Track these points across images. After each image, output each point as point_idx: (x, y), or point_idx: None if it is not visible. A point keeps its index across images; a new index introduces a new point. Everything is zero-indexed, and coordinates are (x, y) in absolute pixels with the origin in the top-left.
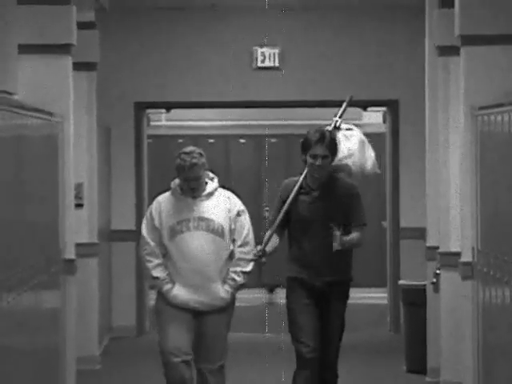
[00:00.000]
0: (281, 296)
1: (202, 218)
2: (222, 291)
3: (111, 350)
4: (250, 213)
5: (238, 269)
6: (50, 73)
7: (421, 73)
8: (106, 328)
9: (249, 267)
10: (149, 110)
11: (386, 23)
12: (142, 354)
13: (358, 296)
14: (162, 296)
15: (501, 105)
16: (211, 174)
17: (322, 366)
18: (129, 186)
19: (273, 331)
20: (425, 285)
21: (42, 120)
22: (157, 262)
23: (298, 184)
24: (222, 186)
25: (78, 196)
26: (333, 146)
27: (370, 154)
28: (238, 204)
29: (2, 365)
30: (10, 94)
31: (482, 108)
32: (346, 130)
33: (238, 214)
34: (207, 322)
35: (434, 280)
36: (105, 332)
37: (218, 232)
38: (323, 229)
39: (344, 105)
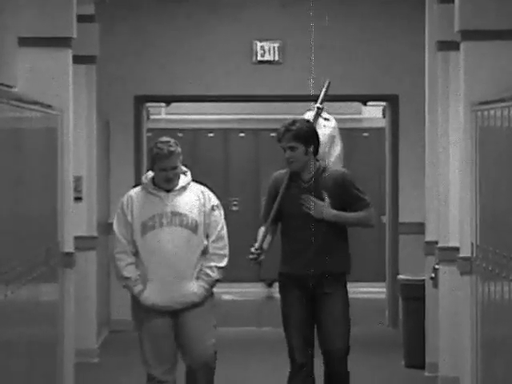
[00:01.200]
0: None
1: (175, 213)
2: (196, 287)
3: (110, 343)
4: (247, 206)
5: (213, 264)
6: (49, 66)
7: (421, 68)
8: (105, 321)
9: (223, 262)
10: (148, 104)
11: (386, 18)
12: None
13: (357, 290)
14: (136, 300)
15: (501, 100)
16: (184, 168)
17: (328, 363)
18: (128, 179)
19: (271, 325)
20: (423, 280)
21: (41, 113)
22: (128, 260)
23: (286, 177)
24: (196, 180)
25: (77, 189)
26: (304, 135)
27: (335, 151)
28: (212, 198)
29: (2, 358)
30: (9, 86)
31: (481, 103)
32: (325, 119)
33: (213, 209)
34: (184, 319)
35: (433, 275)
36: (103, 325)
37: (191, 227)
38: (315, 220)
39: (323, 91)
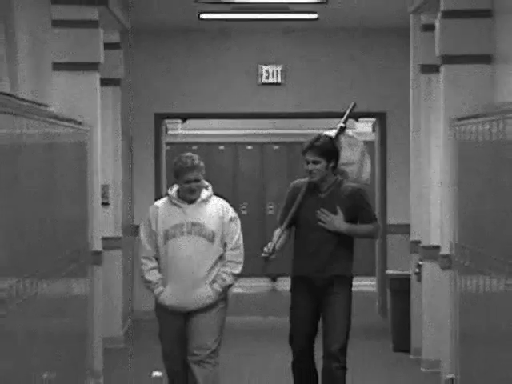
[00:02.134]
0: (283, 284)
1: (194, 223)
2: (210, 290)
3: (133, 331)
4: (254, 211)
5: (228, 270)
6: (80, 87)
7: (406, 88)
8: (129, 311)
9: (238, 269)
10: (167, 120)
11: (376, 45)
12: None
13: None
14: (156, 299)
15: (476, 116)
16: (206, 183)
17: (326, 357)
18: (149, 186)
19: (275, 315)
20: (409, 274)
21: (73, 129)
22: (151, 265)
23: (305, 186)
24: (216, 193)
25: (104, 196)
26: (326, 151)
27: (368, 167)
28: (230, 211)
29: (38, 345)
30: (45, 105)
31: (459, 119)
32: (349, 137)
33: (230, 220)
34: (195, 317)
35: (417, 270)
36: (127, 315)
37: (208, 237)
38: (327, 230)
39: (347, 111)
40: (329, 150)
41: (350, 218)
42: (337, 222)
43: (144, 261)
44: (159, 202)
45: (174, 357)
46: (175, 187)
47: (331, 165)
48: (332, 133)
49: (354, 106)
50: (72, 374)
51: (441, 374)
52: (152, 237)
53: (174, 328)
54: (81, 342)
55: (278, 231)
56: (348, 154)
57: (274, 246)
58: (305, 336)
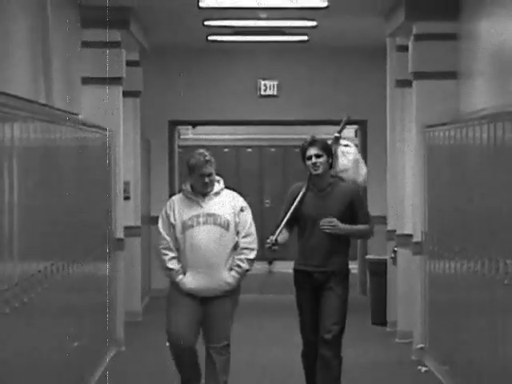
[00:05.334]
0: (278, 266)
1: (210, 214)
2: (228, 277)
3: (150, 306)
4: (253, 204)
5: (243, 256)
6: (105, 99)
7: (383, 100)
8: (146, 290)
9: (252, 255)
10: (179, 127)
11: (358, 63)
12: None
13: None
14: (174, 285)
15: (444, 124)
16: (217, 177)
17: (321, 344)
18: (164, 183)
19: (271, 293)
20: (385, 259)
21: (99, 134)
22: (171, 255)
23: (305, 186)
24: (227, 186)
25: (126, 191)
26: (326, 147)
27: (363, 170)
28: (241, 201)
29: (69, 318)
30: (76, 114)
31: (429, 126)
32: (344, 145)
33: (242, 210)
34: (213, 305)
35: (393, 255)
36: (145, 293)
37: (224, 225)
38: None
39: (342, 123)
40: (328, 146)
41: (346, 215)
42: (337, 227)
43: (164, 251)
44: (175, 197)
45: (186, 326)
46: (189, 183)
47: (330, 161)
48: (329, 141)
49: (348, 118)
50: (98, 342)
51: (413, 343)
52: (170, 229)
53: (192, 307)
54: (105, 316)
55: (280, 226)
56: (343, 162)
57: (276, 239)
58: (311, 328)
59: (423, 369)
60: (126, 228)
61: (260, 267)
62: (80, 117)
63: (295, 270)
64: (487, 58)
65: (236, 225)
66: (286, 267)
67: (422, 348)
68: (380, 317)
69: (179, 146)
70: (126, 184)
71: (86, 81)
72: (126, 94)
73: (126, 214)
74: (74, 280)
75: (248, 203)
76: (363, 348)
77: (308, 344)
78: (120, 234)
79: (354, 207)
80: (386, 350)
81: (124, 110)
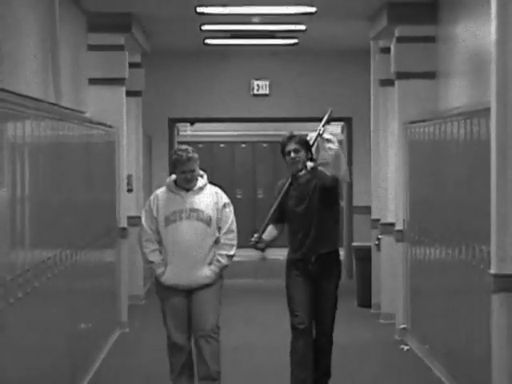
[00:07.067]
0: (270, 254)
1: (193, 209)
2: (207, 271)
3: (152, 290)
4: (247, 195)
5: (223, 252)
6: (109, 98)
7: (368, 98)
8: (149, 275)
9: (232, 251)
10: (178, 124)
11: (344, 63)
12: None
13: None
14: (158, 281)
15: (423, 120)
16: (201, 172)
17: (318, 333)
18: (164, 176)
19: (263, 277)
20: (370, 246)
21: (104, 130)
22: (153, 247)
23: (288, 182)
24: (210, 182)
25: (129, 183)
26: (304, 142)
27: (343, 166)
28: (224, 198)
29: (76, 301)
30: (82, 112)
31: (410, 122)
32: (327, 140)
33: (224, 206)
34: (196, 295)
35: (377, 242)
36: (147, 278)
37: (206, 221)
38: (311, 215)
39: (325, 117)
40: (305, 141)
41: (326, 198)
42: (320, 171)
43: (146, 244)
44: (159, 191)
45: (180, 331)
46: (173, 177)
47: (308, 155)
48: (311, 136)
49: (331, 112)
50: (103, 324)
51: (396, 324)
52: (153, 222)
53: (178, 305)
54: (110, 299)
55: (265, 222)
56: (324, 156)
57: (261, 236)
58: (302, 309)
59: (405, 348)
60: (129, 218)
61: (253, 254)
62: (86, 115)
63: (287, 260)
64: (463, 59)
65: (218, 220)
66: (278, 254)
67: (404, 328)
68: (365, 299)
69: (178, 142)
70: (129, 177)
71: (92, 81)
72: (128, 93)
73: (129, 205)
74: (81, 266)
75: (242, 194)
76: (350, 328)
77: (298, 331)
78: (124, 223)
79: (330, 192)
80: (371, 330)
81: (127, 108)
